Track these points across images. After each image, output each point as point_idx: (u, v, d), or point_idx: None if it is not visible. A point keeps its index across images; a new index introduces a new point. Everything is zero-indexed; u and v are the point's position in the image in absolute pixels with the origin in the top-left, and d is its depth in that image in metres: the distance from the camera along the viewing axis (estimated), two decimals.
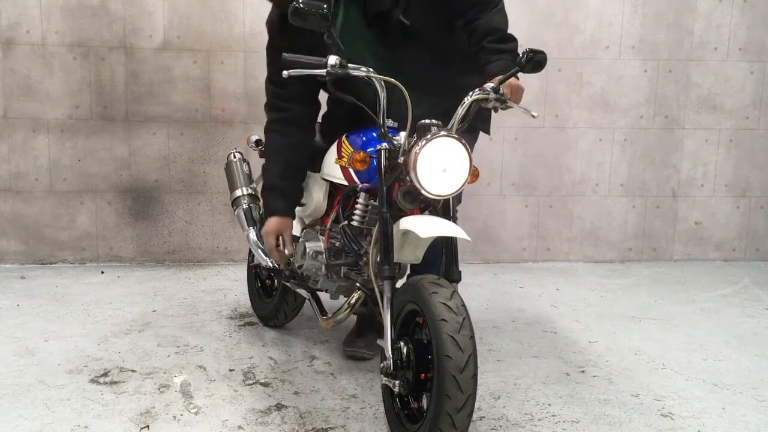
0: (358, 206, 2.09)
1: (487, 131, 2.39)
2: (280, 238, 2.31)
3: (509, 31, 2.16)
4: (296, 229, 2.45)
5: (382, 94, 1.88)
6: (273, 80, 2.32)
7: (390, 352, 1.75)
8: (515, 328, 2.85)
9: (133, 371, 2.32)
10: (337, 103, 2.40)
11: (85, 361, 2.39)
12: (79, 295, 3.16)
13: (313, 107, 2.36)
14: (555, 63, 3.72)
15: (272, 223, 2.31)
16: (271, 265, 2.49)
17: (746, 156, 3.99)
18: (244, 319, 2.87)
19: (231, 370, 2.34)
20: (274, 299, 2.68)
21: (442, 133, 1.80)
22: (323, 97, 2.39)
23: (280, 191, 2.32)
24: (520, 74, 1.97)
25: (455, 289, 1.74)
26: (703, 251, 4.05)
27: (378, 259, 1.90)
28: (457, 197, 2.01)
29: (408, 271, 2.28)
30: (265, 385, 2.24)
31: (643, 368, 2.43)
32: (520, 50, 1.94)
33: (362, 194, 2.07)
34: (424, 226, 1.79)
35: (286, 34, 2.13)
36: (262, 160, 2.69)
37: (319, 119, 2.46)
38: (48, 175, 3.65)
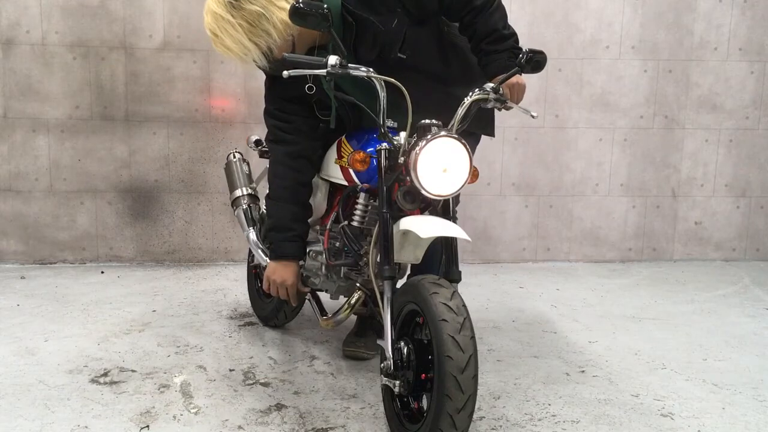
0: (358, 206, 2.09)
1: (492, 133, 2.39)
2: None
3: (509, 23, 2.15)
4: None
5: (383, 94, 1.88)
6: (274, 115, 2.28)
7: (390, 353, 1.75)
8: (515, 328, 2.85)
9: (133, 371, 2.32)
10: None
11: (85, 361, 2.39)
12: (79, 295, 3.16)
13: (318, 142, 2.29)
14: (555, 63, 3.72)
15: (290, 272, 2.24)
16: None
17: (746, 156, 3.99)
18: (244, 319, 2.87)
19: (231, 370, 2.34)
20: (274, 299, 2.68)
21: (443, 133, 1.80)
22: None
23: (295, 235, 2.25)
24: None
25: (455, 289, 1.74)
26: (703, 251, 4.05)
27: (378, 259, 1.90)
28: (455, 198, 2.01)
29: (408, 271, 2.28)
30: (265, 385, 2.24)
31: (643, 368, 2.43)
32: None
33: (362, 194, 2.07)
34: (424, 227, 1.79)
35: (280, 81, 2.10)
36: (263, 160, 2.70)
37: None
38: (48, 175, 3.65)
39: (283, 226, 2.25)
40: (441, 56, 2.18)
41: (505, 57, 2.07)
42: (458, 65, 2.21)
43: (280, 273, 2.25)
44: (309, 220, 2.41)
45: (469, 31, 2.14)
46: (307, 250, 2.30)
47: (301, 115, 2.24)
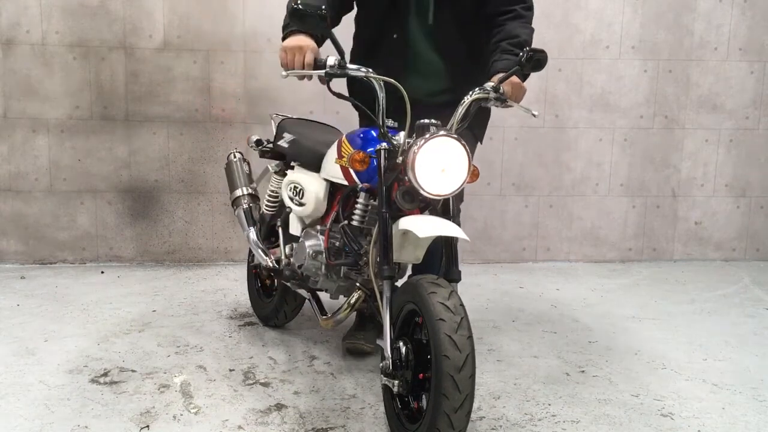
0: (358, 206, 2.09)
1: (480, 139, 2.39)
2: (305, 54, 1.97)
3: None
4: (296, 229, 2.45)
5: (381, 95, 1.88)
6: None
7: (389, 352, 1.75)
8: (515, 328, 2.85)
9: (133, 371, 2.32)
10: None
11: (85, 361, 2.39)
12: (79, 295, 3.16)
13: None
14: (555, 63, 3.72)
15: (295, 36, 1.99)
16: (271, 264, 2.49)
17: (746, 156, 3.99)
18: (244, 319, 2.87)
19: (231, 370, 2.34)
20: (274, 299, 2.68)
21: (441, 132, 1.80)
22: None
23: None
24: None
25: (454, 288, 1.74)
26: (703, 251, 4.05)
27: (378, 259, 1.90)
28: (459, 196, 2.01)
29: (409, 271, 2.28)
30: (265, 385, 2.24)
31: (643, 368, 2.43)
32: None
33: (362, 194, 2.07)
34: (424, 226, 1.79)
35: None
36: (263, 160, 2.70)
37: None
38: (48, 175, 3.65)
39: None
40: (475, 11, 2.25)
41: (514, 60, 2.08)
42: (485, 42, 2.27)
43: (288, 41, 2.00)
44: (309, 221, 2.41)
45: (494, 32, 2.17)
46: (308, 250, 2.30)
47: None
